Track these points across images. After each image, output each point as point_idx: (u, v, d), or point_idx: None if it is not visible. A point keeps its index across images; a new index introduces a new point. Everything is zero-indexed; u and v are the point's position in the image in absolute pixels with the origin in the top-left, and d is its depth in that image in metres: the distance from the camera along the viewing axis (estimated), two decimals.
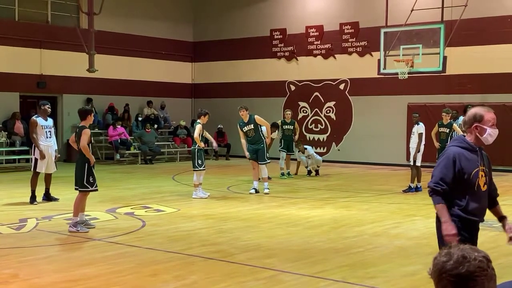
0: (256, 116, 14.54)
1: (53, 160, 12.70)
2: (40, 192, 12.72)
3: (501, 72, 19.72)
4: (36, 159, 12.42)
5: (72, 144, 10.81)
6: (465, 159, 4.69)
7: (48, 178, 12.73)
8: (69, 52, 22.25)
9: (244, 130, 14.45)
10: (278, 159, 18.32)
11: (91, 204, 12.50)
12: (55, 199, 12.82)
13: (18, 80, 21.57)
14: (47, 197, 12.80)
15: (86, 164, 9.65)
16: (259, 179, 14.81)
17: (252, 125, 14.42)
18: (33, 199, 12.48)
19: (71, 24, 21.39)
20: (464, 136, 4.87)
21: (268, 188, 14.45)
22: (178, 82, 26.77)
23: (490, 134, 4.74)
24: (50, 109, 12.99)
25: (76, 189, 9.89)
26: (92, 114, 10.24)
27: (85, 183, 9.67)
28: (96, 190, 9.92)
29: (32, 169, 12.61)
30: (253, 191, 14.39)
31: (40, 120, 12.55)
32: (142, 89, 25.13)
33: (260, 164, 14.59)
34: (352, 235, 9.52)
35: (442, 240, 4.71)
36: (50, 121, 12.85)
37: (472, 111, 4.83)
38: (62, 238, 9.22)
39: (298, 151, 18.49)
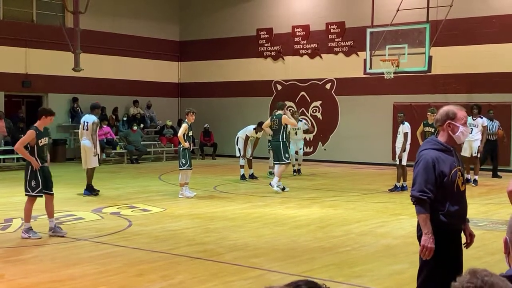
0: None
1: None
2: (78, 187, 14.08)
3: (486, 72, 19.85)
4: (98, 155, 13.96)
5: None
6: (442, 162, 4.61)
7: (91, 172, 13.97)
8: (54, 51, 22.11)
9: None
10: (264, 158, 18.33)
11: (78, 204, 12.49)
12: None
13: (3, 79, 21.40)
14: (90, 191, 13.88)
15: (30, 167, 9.08)
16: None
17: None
18: (92, 190, 13.83)
19: (57, 23, 21.23)
20: (436, 136, 4.83)
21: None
22: (164, 82, 26.70)
23: (463, 132, 4.70)
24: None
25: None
26: (49, 117, 9.31)
27: (27, 187, 9.11)
28: (40, 196, 9.22)
29: (93, 165, 13.86)
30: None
31: None
32: (128, 89, 25.03)
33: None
34: (339, 234, 9.55)
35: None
36: None
37: (444, 109, 4.78)
38: (48, 238, 9.16)
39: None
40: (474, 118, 16.06)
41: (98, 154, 13.96)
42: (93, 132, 13.81)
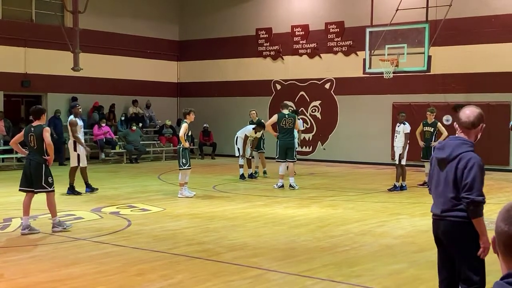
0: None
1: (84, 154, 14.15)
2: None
3: (485, 71, 19.87)
4: (78, 155, 13.75)
5: (13, 145, 10.09)
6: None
7: (85, 171, 13.99)
8: (54, 51, 22.11)
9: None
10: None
11: (77, 203, 12.48)
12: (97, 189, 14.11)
13: (2, 79, 21.39)
14: (91, 188, 14.05)
15: (44, 164, 9.36)
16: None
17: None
18: (73, 190, 13.74)
19: (56, 23, 21.24)
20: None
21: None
22: (163, 81, 26.71)
23: None
24: (81, 110, 14.63)
25: (21, 190, 9.52)
26: (45, 113, 9.94)
27: (43, 183, 9.35)
28: (53, 191, 9.58)
29: (75, 164, 13.76)
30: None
31: (78, 121, 13.90)
32: (127, 88, 25.04)
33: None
34: (338, 234, 9.56)
35: (476, 249, 4.61)
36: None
37: (476, 111, 4.75)
38: (47, 238, 9.17)
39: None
40: None
41: (78, 154, 13.75)
42: (71, 131, 13.81)
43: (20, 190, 9.59)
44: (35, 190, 9.40)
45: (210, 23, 26.01)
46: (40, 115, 9.63)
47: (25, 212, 9.43)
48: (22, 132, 9.71)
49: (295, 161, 15.61)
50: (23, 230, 9.35)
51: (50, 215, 9.73)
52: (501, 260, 2.22)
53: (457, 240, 4.73)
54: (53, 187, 9.51)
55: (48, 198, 9.52)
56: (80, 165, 13.80)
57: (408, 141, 14.76)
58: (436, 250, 5.01)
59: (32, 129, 9.44)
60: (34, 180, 9.35)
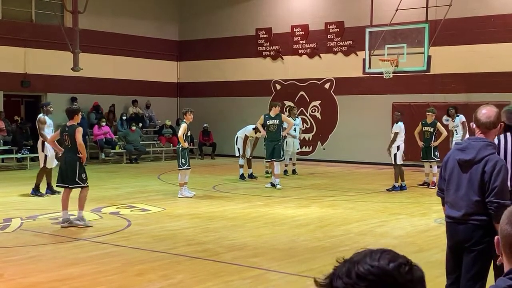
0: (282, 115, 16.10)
1: (53, 156, 13.59)
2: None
3: (485, 71, 19.86)
4: (46, 155, 13.39)
5: (51, 143, 11.24)
6: None
7: (50, 172, 13.63)
8: (53, 51, 22.10)
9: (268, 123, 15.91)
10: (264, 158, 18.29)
11: (77, 203, 12.46)
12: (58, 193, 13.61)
13: (2, 79, 21.38)
14: (51, 190, 13.49)
15: (78, 162, 9.95)
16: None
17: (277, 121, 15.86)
18: (37, 191, 13.41)
19: (56, 23, 21.22)
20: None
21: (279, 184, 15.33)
22: (163, 81, 26.70)
23: None
24: (52, 109, 14.22)
25: (58, 186, 10.26)
26: (80, 113, 10.46)
27: (77, 179, 9.92)
28: (87, 186, 10.17)
29: (42, 164, 13.55)
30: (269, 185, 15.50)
31: (47, 119, 13.72)
32: (127, 88, 25.03)
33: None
34: (338, 234, 9.56)
35: (492, 255, 4.46)
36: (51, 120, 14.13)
37: (494, 110, 4.70)
38: (47, 238, 9.18)
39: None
40: (453, 120, 15.86)
41: (46, 155, 13.40)
42: (39, 128, 13.62)
43: (57, 186, 10.42)
44: (70, 186, 9.99)
45: (210, 23, 26.00)
46: (73, 115, 10.15)
47: (64, 207, 9.96)
48: (59, 131, 10.39)
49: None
50: (63, 223, 9.89)
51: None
52: (505, 261, 2.23)
53: (477, 243, 4.59)
54: (87, 183, 10.11)
55: (82, 192, 10.03)
56: (47, 166, 13.46)
57: (402, 142, 14.71)
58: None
59: (67, 128, 10.07)
60: (69, 176, 9.94)
